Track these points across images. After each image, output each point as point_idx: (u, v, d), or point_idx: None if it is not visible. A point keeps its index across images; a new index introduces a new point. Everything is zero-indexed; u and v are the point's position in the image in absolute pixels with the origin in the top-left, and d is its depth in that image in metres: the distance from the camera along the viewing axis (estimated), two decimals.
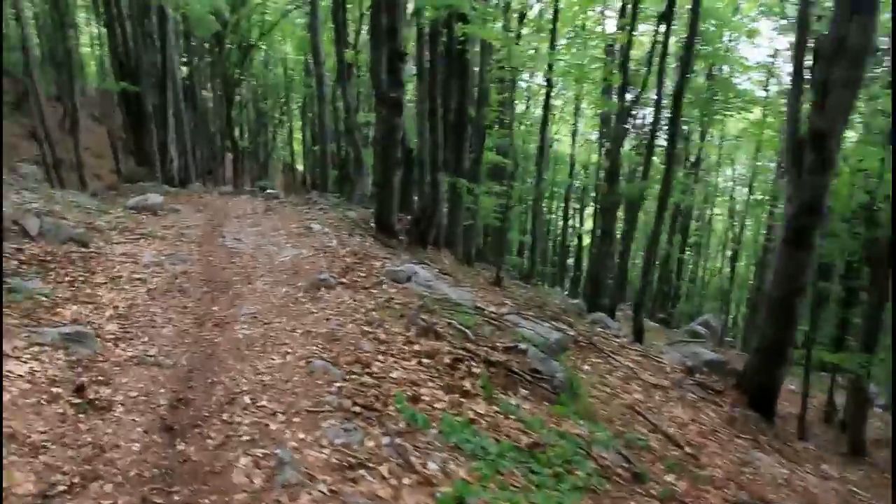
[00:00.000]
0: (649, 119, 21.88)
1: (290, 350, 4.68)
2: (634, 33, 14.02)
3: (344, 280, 6.63)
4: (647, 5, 15.53)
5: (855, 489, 6.94)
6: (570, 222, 27.65)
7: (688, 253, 26.53)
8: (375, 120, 12.18)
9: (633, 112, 16.19)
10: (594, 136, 26.94)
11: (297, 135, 31.87)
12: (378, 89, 10.51)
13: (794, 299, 7.95)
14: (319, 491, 3.03)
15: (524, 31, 18.76)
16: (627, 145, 19.13)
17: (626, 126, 15.61)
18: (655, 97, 13.01)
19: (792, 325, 8.15)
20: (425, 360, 4.80)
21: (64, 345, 4.29)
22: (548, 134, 17.40)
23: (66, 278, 5.84)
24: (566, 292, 22.67)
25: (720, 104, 19.59)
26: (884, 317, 9.30)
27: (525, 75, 21.20)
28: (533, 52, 18.43)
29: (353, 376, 4.32)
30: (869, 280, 10.68)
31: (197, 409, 3.87)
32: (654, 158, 15.40)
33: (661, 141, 15.93)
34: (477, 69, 13.65)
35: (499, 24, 14.77)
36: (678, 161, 17.88)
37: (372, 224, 11.01)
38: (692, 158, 24.29)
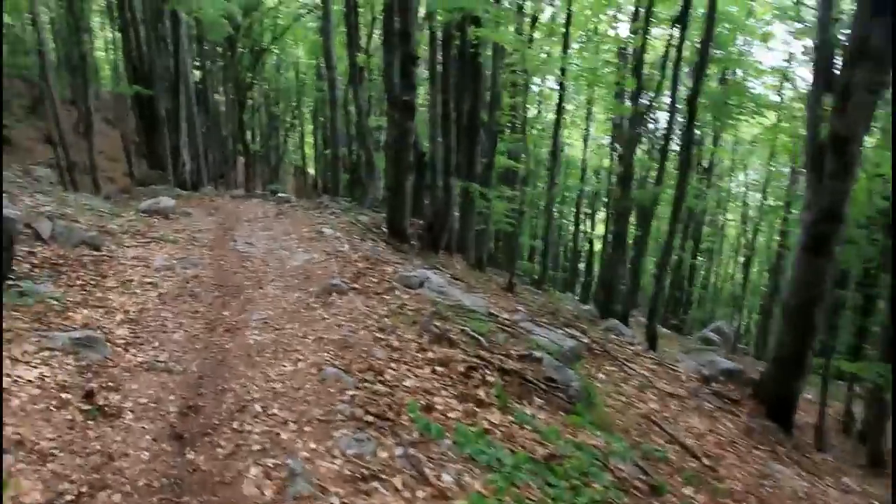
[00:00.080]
0: (662, 124, 21.77)
1: (301, 357, 4.61)
2: (648, 37, 13.88)
3: (356, 285, 6.56)
4: (660, 9, 15.41)
5: None
6: (582, 227, 27.48)
7: (700, 259, 26.28)
8: (387, 124, 12.14)
9: (648, 116, 16.03)
10: (606, 140, 26.79)
11: (309, 139, 31.96)
12: (390, 93, 10.47)
13: (813, 307, 7.79)
14: None
15: (536, 34, 18.69)
16: (640, 150, 18.97)
17: (640, 131, 15.45)
18: (669, 101, 12.88)
19: (810, 334, 7.98)
20: (439, 368, 4.72)
21: (74, 350, 4.24)
22: (560, 138, 17.28)
23: (78, 282, 5.81)
24: (577, 298, 22.51)
25: (734, 109, 19.42)
26: None
27: (536, 79, 21.12)
28: (545, 55, 18.35)
29: (366, 384, 4.24)
30: (890, 288, 10.47)
31: (207, 416, 3.81)
32: (668, 164, 15.26)
33: (674, 146, 15.81)
34: (489, 73, 13.58)
35: (511, 28, 14.71)
36: (691, 166, 17.69)
37: (384, 228, 10.95)
38: (705, 163, 24.08)
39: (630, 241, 16.54)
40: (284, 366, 4.46)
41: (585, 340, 7.92)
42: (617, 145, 22.42)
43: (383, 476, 3.29)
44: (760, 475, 6.14)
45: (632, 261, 15.65)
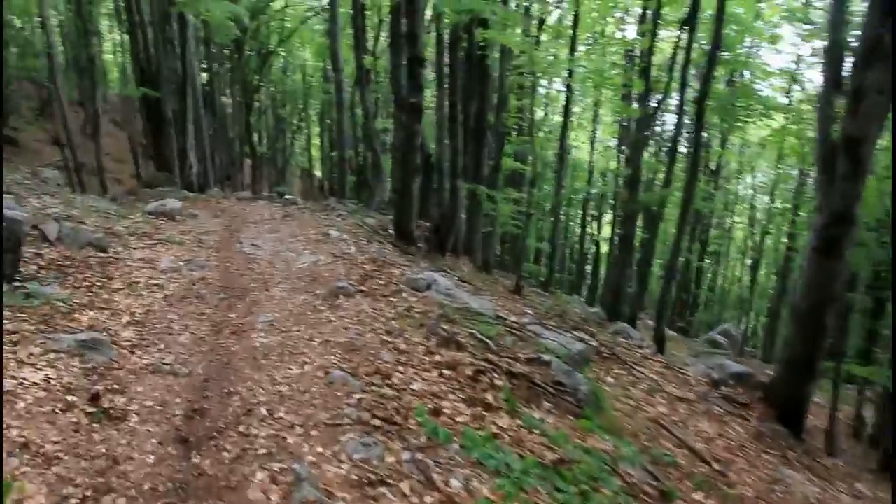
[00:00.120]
0: (668, 126, 21.68)
1: (308, 360, 4.57)
2: (656, 39, 13.81)
3: (363, 288, 6.52)
4: (668, 11, 15.34)
5: None
6: (588, 230, 27.40)
7: (707, 261, 26.15)
8: (394, 126, 12.11)
9: (656, 118, 15.96)
10: (613, 142, 26.71)
11: (315, 141, 31.99)
12: (398, 95, 10.45)
13: (824, 310, 7.69)
14: None
15: (543, 37, 18.64)
16: (646, 153, 18.89)
17: (648, 133, 15.37)
18: (678, 103, 12.81)
19: (821, 337, 7.88)
20: (446, 372, 4.67)
21: (80, 352, 4.22)
22: (567, 140, 17.23)
23: (84, 283, 5.80)
24: (583, 300, 22.42)
25: (741, 111, 19.31)
26: None
27: (543, 81, 21.07)
28: (552, 58, 18.30)
29: (373, 388, 4.20)
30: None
31: (213, 420, 3.77)
32: (675, 166, 15.16)
33: (681, 148, 15.72)
34: (496, 75, 13.53)
35: (518, 30, 14.67)
36: (699, 168, 17.58)
37: (390, 231, 10.91)
38: (712, 166, 23.97)
39: (637, 244, 16.46)
40: (291, 369, 4.43)
41: (594, 344, 7.85)
42: (624, 147, 22.35)
43: (391, 481, 3.24)
44: (771, 480, 6.06)
45: (639, 263, 15.57)
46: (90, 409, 3.66)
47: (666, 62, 16.46)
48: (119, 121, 24.18)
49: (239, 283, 6.69)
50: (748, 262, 27.70)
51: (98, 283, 5.91)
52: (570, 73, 14.71)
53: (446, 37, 12.20)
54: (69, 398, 3.69)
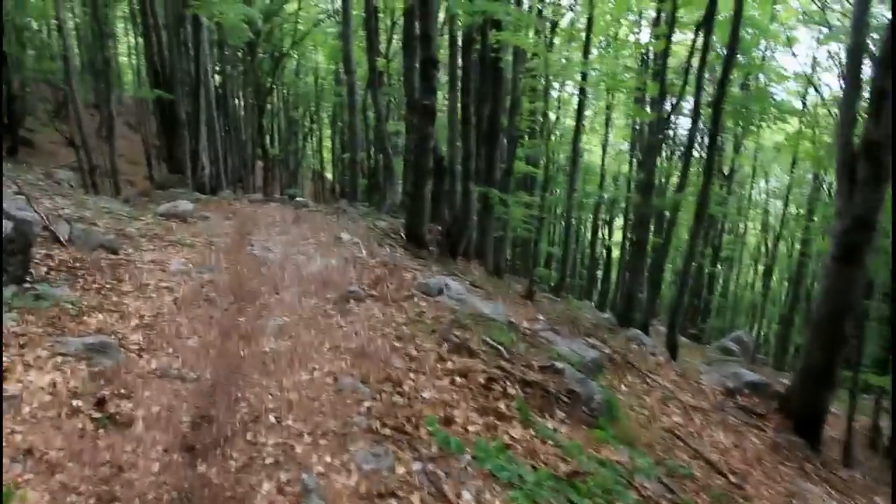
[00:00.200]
0: (681, 130, 21.51)
1: (317, 366, 4.50)
2: (671, 42, 13.64)
3: (374, 292, 6.44)
4: (682, 13, 15.18)
5: None
6: (599, 234, 27.21)
7: (719, 267, 25.88)
8: (407, 129, 12.04)
9: (671, 122, 15.80)
10: (625, 146, 26.54)
11: (327, 143, 32.05)
12: (410, 97, 10.40)
13: (843, 319, 7.54)
14: None
15: (556, 40, 18.55)
16: (659, 157, 18.72)
17: (662, 137, 15.21)
18: (692, 107, 12.64)
19: (840, 347, 7.73)
20: (458, 379, 4.58)
21: (87, 355, 4.17)
22: (580, 143, 17.10)
23: (94, 286, 5.76)
24: (594, 305, 22.25)
25: (756, 115, 19.11)
26: None
27: (556, 84, 20.97)
28: (564, 60, 18.20)
29: (383, 395, 4.12)
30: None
31: (220, 427, 3.70)
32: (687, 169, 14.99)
33: (693, 152, 15.53)
34: (509, 77, 13.45)
35: (531, 33, 14.58)
36: (714, 172, 17.39)
37: (402, 234, 10.84)
38: (725, 170, 23.73)
39: (649, 249, 16.27)
40: (300, 375, 4.35)
41: (606, 350, 7.73)
42: (637, 151, 22.19)
43: (401, 493, 3.16)
44: (788, 494, 5.92)
45: (650, 269, 15.39)
46: (96, 415, 3.61)
47: (680, 65, 16.32)
48: (133, 123, 24.35)
49: (249, 287, 6.63)
50: (761, 268, 27.39)
51: (108, 286, 5.87)
52: (584, 76, 14.59)
53: (459, 39, 12.12)
54: (75, 403, 3.63)
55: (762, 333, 26.97)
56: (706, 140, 17.34)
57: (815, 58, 20.87)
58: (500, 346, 5.34)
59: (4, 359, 3.84)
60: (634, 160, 22.83)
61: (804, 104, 20.93)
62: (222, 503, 2.99)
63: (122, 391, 3.94)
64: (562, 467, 3.98)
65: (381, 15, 19.73)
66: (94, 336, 4.48)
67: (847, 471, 7.97)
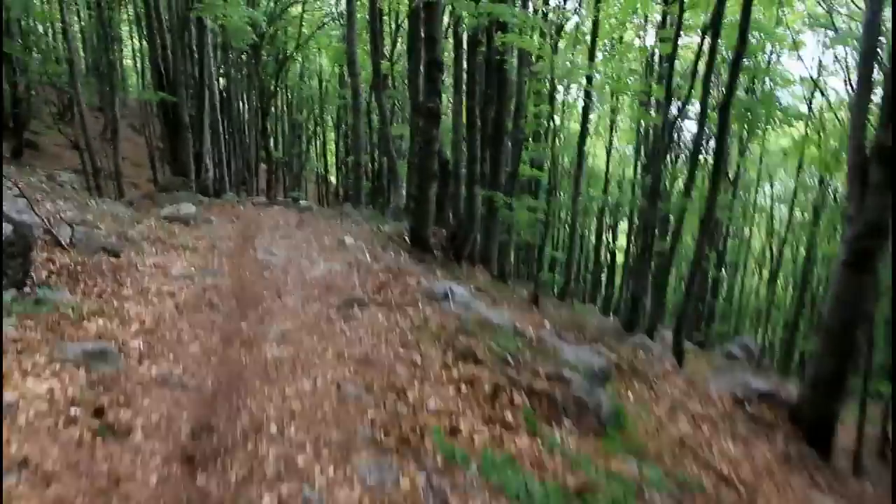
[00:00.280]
0: (687, 134, 21.40)
1: (320, 373, 4.40)
2: (678, 45, 13.56)
3: (378, 298, 6.36)
4: (688, 16, 15.09)
5: None
6: (603, 238, 27.08)
7: (724, 272, 25.71)
8: (411, 132, 11.96)
9: (677, 126, 15.69)
10: (629, 150, 26.44)
11: (331, 146, 32.02)
12: (415, 100, 10.32)
13: (854, 327, 7.41)
14: None
15: (561, 43, 18.47)
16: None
17: (668, 141, 15.09)
18: (699, 110, 12.54)
19: (851, 355, 7.61)
20: (464, 388, 4.49)
21: (86, 362, 4.09)
22: (585, 147, 16.99)
23: (95, 290, 5.68)
24: (598, 309, 22.14)
25: (762, 119, 19.00)
26: None
27: (560, 88, 20.88)
28: (569, 64, 18.13)
29: (387, 404, 4.02)
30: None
31: (220, 436, 3.61)
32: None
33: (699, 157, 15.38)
34: (514, 79, 13.36)
35: (536, 35, 14.51)
36: (722, 176, 17.25)
37: (406, 238, 10.75)
38: (731, 174, 23.60)
39: (655, 254, 16.15)
40: (303, 383, 4.26)
41: (613, 357, 7.62)
42: (643, 155, 22.09)
43: None
44: None
45: (655, 274, 15.27)
46: (94, 424, 3.52)
47: (686, 69, 16.24)
48: (137, 126, 24.34)
49: (252, 292, 6.55)
50: (766, 273, 27.22)
51: (109, 290, 5.80)
52: (589, 79, 14.51)
53: (465, 41, 12.05)
54: (73, 411, 3.54)
55: (767, 339, 26.78)
56: (712, 144, 17.24)
57: (821, 62, 20.77)
58: (506, 354, 5.24)
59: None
60: (639, 164, 22.73)
61: (810, 108, 20.82)
62: None
63: (122, 399, 3.85)
64: (570, 480, 3.88)
65: (385, 17, 19.68)
66: (93, 342, 4.40)
67: (858, 481, 7.84)
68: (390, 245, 10.09)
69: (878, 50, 7.44)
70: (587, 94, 15.42)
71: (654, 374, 8.28)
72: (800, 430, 7.78)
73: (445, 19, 12.75)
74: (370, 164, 22.25)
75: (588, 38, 15.94)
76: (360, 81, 17.26)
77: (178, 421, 3.74)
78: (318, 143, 32.37)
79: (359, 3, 18.19)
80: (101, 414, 3.62)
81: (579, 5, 19.36)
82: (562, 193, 24.39)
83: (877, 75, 7.62)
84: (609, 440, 4.80)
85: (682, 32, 13.92)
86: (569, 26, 20.15)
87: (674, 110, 14.39)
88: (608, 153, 24.96)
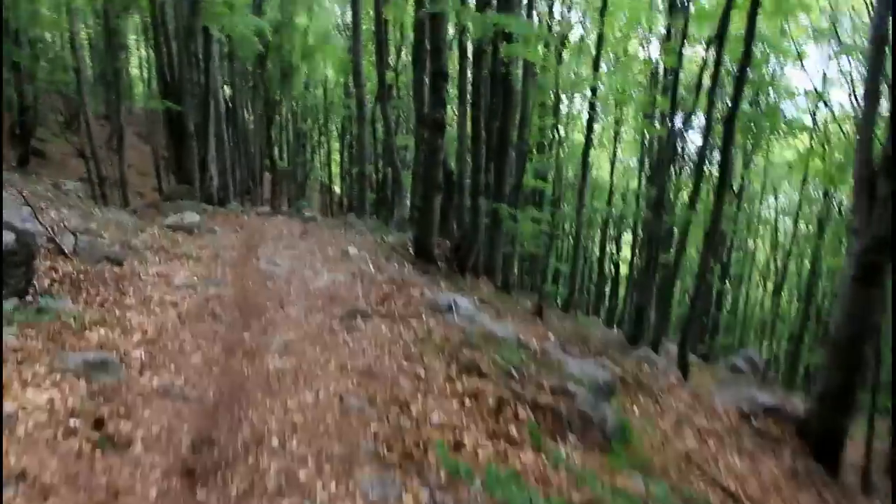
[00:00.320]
0: (691, 146, 21.39)
1: (323, 386, 4.35)
2: (682, 57, 13.57)
3: (381, 309, 6.31)
4: (693, 29, 15.12)
5: None
6: (607, 250, 27.03)
7: (728, 284, 25.60)
8: (416, 143, 11.95)
9: (682, 138, 15.67)
10: (633, 162, 26.44)
11: (336, 156, 32.09)
12: (420, 111, 10.32)
13: (863, 342, 7.34)
14: None
15: (565, 54, 18.53)
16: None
17: (673, 152, 15.06)
18: (704, 122, 12.53)
19: (859, 369, 7.52)
20: (468, 402, 4.43)
21: (86, 372, 4.05)
22: (589, 159, 16.98)
23: (97, 299, 5.66)
24: (602, 321, 22.05)
25: (766, 131, 19.00)
26: None
27: (563, 99, 20.92)
28: (573, 75, 18.18)
29: (391, 418, 3.97)
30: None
31: (221, 449, 3.56)
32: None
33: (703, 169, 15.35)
34: (519, 89, 13.36)
35: (541, 47, 14.54)
36: (727, 189, 17.20)
37: (410, 249, 10.72)
38: (735, 187, 23.55)
39: (659, 266, 16.08)
40: (305, 395, 4.21)
41: (618, 371, 7.55)
42: (647, 167, 22.07)
43: None
44: None
45: (659, 286, 15.20)
46: (93, 435, 3.47)
47: (691, 81, 16.25)
48: (143, 134, 24.43)
49: (255, 302, 6.52)
50: (770, 285, 27.09)
51: (111, 299, 5.77)
52: (594, 90, 14.52)
53: (470, 52, 12.07)
54: (72, 423, 3.50)
55: (772, 352, 26.61)
56: (716, 155, 17.22)
57: (825, 74, 20.77)
58: (510, 367, 5.18)
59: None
60: (643, 175, 22.71)
61: (814, 121, 20.81)
62: None
63: (122, 410, 3.81)
64: (575, 496, 3.81)
65: (390, 28, 19.77)
66: (94, 352, 4.36)
67: (867, 498, 7.74)
68: (394, 256, 10.06)
69: (885, 63, 7.39)
70: (591, 106, 15.42)
71: (659, 387, 8.20)
72: (807, 446, 7.69)
73: (451, 30, 12.77)
74: (374, 175, 22.27)
75: (593, 49, 15.97)
76: (365, 92, 17.33)
77: (178, 433, 3.69)
78: (322, 152, 32.44)
79: (364, 14, 18.27)
80: (100, 425, 3.58)
81: (584, 17, 19.46)
82: (566, 205, 24.37)
83: (884, 88, 7.57)
84: (614, 455, 4.74)
85: (686, 44, 13.95)
86: (573, 38, 20.25)
87: (678, 122, 14.39)
88: (612, 164, 24.97)
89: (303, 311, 6.29)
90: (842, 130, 19.38)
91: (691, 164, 20.32)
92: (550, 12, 19.27)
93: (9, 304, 4.76)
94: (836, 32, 18.13)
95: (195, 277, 7.04)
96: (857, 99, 18.52)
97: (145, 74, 28.12)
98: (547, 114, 16.90)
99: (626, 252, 27.19)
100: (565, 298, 17.12)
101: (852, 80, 18.88)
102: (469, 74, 12.21)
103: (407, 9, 18.86)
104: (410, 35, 18.29)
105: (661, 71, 18.80)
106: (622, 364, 8.39)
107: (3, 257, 4.79)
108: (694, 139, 20.62)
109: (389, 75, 16.98)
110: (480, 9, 10.64)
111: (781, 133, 19.04)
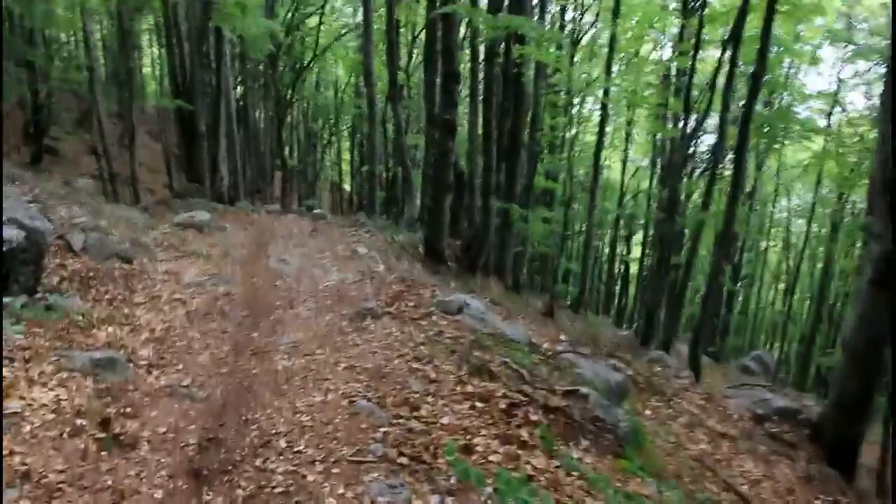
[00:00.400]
0: (702, 147, 21.19)
1: (332, 387, 4.30)
2: (697, 58, 13.43)
3: (391, 309, 6.24)
4: (706, 30, 14.95)
5: None
6: (617, 249, 26.88)
7: (739, 285, 25.37)
8: (426, 142, 11.88)
9: (695, 139, 15.51)
10: (644, 162, 26.27)
11: (346, 155, 32.11)
12: (431, 112, 10.25)
13: (881, 346, 7.18)
14: None
15: (577, 56, 18.42)
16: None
17: (686, 154, 14.90)
18: (718, 124, 12.37)
19: (877, 376, 7.38)
20: (479, 404, 4.35)
21: (94, 371, 4.02)
22: (601, 160, 16.85)
23: (106, 296, 5.64)
24: (612, 321, 21.91)
25: (780, 133, 18.79)
26: None
27: (576, 100, 20.79)
28: (585, 76, 18.06)
29: (400, 420, 3.91)
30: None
31: (228, 451, 3.52)
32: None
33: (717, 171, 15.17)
34: (531, 91, 13.26)
35: (553, 48, 14.43)
36: (741, 191, 17.01)
37: (420, 249, 10.65)
38: (747, 188, 23.32)
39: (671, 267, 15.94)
40: (313, 396, 4.16)
41: (630, 373, 7.44)
42: (658, 168, 21.90)
43: None
44: None
45: (671, 287, 15.06)
46: (99, 435, 3.44)
47: (704, 82, 16.08)
48: (155, 132, 24.54)
49: (264, 301, 6.48)
50: (782, 286, 26.84)
51: (120, 297, 5.75)
52: (606, 91, 14.39)
53: (481, 53, 11.98)
54: (78, 422, 3.47)
55: (783, 353, 26.37)
56: (728, 157, 17.04)
57: (839, 76, 20.52)
58: (521, 369, 5.10)
59: (9, 373, 3.70)
60: (655, 176, 22.54)
61: (829, 123, 20.59)
62: None
63: (129, 410, 3.78)
64: (588, 502, 3.74)
65: (401, 29, 19.72)
66: (102, 351, 4.34)
67: (880, 502, 7.59)
68: (404, 255, 10.00)
69: None
70: (603, 107, 15.29)
71: (671, 389, 8.09)
72: (821, 450, 7.56)
73: (462, 30, 12.70)
74: (384, 174, 22.24)
75: (605, 50, 15.84)
76: (376, 92, 17.27)
77: (185, 433, 3.66)
78: (332, 151, 32.47)
79: (376, 14, 18.24)
80: (107, 425, 3.55)
81: (596, 18, 19.33)
82: (577, 206, 24.24)
83: None
84: (627, 460, 4.64)
85: (700, 46, 13.80)
86: (585, 39, 20.13)
87: (692, 124, 14.24)
88: (623, 165, 24.80)
89: (312, 310, 6.24)
90: (857, 132, 19.16)
91: (702, 165, 20.15)
92: (563, 14, 19.17)
93: (18, 302, 4.74)
94: (852, 35, 17.94)
95: (204, 276, 7.01)
96: (873, 99, 18.32)
97: (158, 74, 28.25)
98: (559, 114, 16.78)
99: (636, 252, 27.04)
100: (575, 297, 16.98)
101: (868, 82, 18.67)
102: (480, 75, 12.12)
103: (419, 10, 18.83)
104: (422, 36, 18.24)
105: (673, 71, 18.65)
106: (634, 365, 8.27)
107: (13, 255, 4.77)
108: (707, 140, 20.37)
109: (400, 76, 16.92)
110: (493, 10, 10.56)
111: (795, 135, 18.79)
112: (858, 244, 19.10)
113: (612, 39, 14.64)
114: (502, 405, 4.39)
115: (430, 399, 4.29)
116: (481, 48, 12.11)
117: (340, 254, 9.29)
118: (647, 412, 6.76)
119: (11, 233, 4.81)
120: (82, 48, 20.26)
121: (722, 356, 20.64)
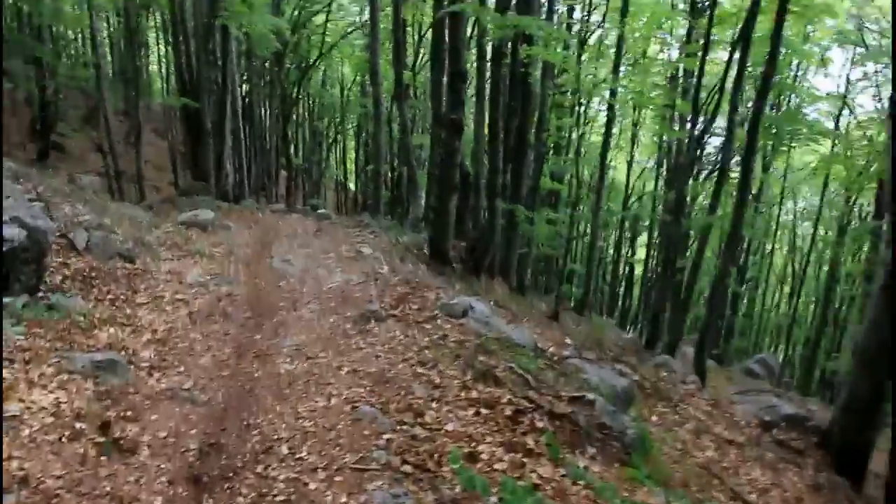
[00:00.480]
0: (710, 149, 21.06)
1: (335, 391, 4.24)
2: (706, 59, 13.30)
3: (395, 312, 6.17)
4: (715, 31, 14.83)
5: None
6: (622, 251, 26.78)
7: (744, 287, 25.23)
8: (431, 142, 11.80)
9: (703, 141, 15.39)
10: (649, 164, 26.17)
11: (351, 154, 32.08)
12: (437, 111, 10.18)
13: (893, 354, 7.08)
14: None
15: (584, 56, 18.32)
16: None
17: (694, 156, 14.79)
18: (726, 125, 12.25)
19: (889, 382, 7.27)
20: (484, 411, 4.29)
21: (94, 373, 3.97)
22: (607, 161, 16.76)
23: (108, 296, 5.59)
24: (615, 323, 21.81)
25: (787, 135, 18.66)
26: None
27: (582, 101, 20.69)
28: (592, 76, 17.96)
29: (404, 427, 3.85)
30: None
31: (229, 456, 3.46)
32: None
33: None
34: (538, 91, 13.18)
35: (560, 48, 14.34)
36: (749, 193, 16.89)
37: (425, 250, 10.58)
38: (754, 190, 23.18)
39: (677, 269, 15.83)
40: (316, 401, 4.10)
41: (636, 378, 7.37)
42: (664, 170, 21.80)
43: None
44: None
45: (677, 289, 14.95)
46: (99, 439, 3.39)
47: (711, 83, 15.97)
48: (160, 130, 24.55)
49: (267, 302, 6.42)
50: (787, 289, 26.69)
51: (122, 297, 5.70)
52: (613, 92, 14.29)
53: (489, 52, 11.90)
54: (78, 426, 3.43)
55: (787, 356, 26.23)
56: (735, 159, 16.93)
57: (848, 78, 20.37)
58: (527, 375, 5.03)
59: (8, 375, 3.65)
60: (661, 178, 22.44)
61: (837, 125, 20.44)
62: None
63: (129, 413, 3.73)
64: None
65: (408, 28, 19.65)
66: (103, 352, 4.29)
67: None
68: (409, 256, 9.94)
69: None
70: (610, 108, 15.19)
71: (677, 395, 8.01)
72: (830, 457, 7.47)
73: (469, 29, 12.61)
74: (390, 173, 22.18)
75: (612, 51, 15.74)
76: (382, 91, 17.19)
77: (186, 438, 3.60)
78: (338, 150, 32.44)
79: (382, 13, 18.17)
80: (107, 429, 3.50)
81: (603, 19, 19.23)
82: (582, 207, 24.17)
83: None
84: (634, 468, 4.57)
85: (710, 48, 13.67)
86: (592, 39, 20.01)
87: (699, 126, 14.13)
88: (629, 166, 24.68)
89: (316, 312, 6.18)
90: (865, 135, 19.01)
91: (708, 167, 20.03)
92: (570, 14, 19.07)
93: (19, 302, 4.70)
94: (862, 37, 17.79)
95: (207, 276, 6.96)
96: (882, 102, 18.16)
97: (164, 71, 28.26)
98: (565, 115, 16.68)
99: (641, 253, 26.95)
100: (580, 299, 16.88)
101: (878, 84, 18.50)
102: (487, 75, 12.03)
103: (425, 8, 18.75)
104: (428, 35, 18.16)
105: (680, 72, 18.54)
106: (640, 370, 8.20)
107: (14, 254, 4.73)
108: (713, 142, 20.24)
109: (407, 75, 16.84)
110: (501, 9, 10.49)
111: (803, 137, 18.65)
112: (866, 248, 18.99)
113: (620, 39, 14.54)
114: (508, 411, 4.33)
115: (434, 405, 4.23)
116: (488, 47, 12.03)
117: (345, 254, 9.23)
118: (654, 418, 6.68)
119: (13, 232, 4.77)
120: (89, 45, 20.31)
121: (726, 358, 20.52)
